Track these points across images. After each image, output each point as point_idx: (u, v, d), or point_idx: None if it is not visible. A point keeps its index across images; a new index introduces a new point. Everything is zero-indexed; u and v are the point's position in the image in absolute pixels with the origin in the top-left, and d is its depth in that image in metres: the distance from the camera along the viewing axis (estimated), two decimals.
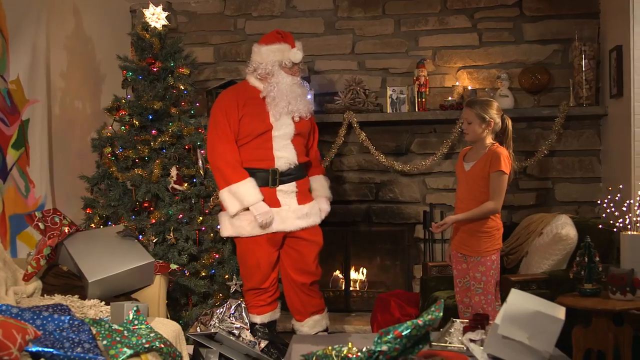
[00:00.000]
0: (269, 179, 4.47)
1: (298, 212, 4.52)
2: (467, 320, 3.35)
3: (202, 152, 4.98)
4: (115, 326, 3.27)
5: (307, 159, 4.68)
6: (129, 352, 3.07)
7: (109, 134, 4.99)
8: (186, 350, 3.75)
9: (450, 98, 5.60)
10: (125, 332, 3.26)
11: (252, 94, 4.53)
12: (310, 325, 4.64)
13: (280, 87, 4.48)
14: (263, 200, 4.40)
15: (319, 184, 4.79)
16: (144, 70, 5.03)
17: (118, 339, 3.18)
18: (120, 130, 5.03)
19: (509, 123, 4.22)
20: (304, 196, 4.60)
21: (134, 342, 3.17)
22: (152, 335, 3.30)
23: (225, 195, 4.40)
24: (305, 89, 4.77)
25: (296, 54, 4.53)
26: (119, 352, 3.07)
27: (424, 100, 5.61)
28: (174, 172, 4.89)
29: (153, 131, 4.97)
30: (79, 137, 5.28)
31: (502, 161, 4.05)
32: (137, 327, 3.36)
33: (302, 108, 4.55)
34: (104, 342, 3.13)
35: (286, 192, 4.51)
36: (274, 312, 4.65)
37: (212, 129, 4.48)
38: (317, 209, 4.65)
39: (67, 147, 5.11)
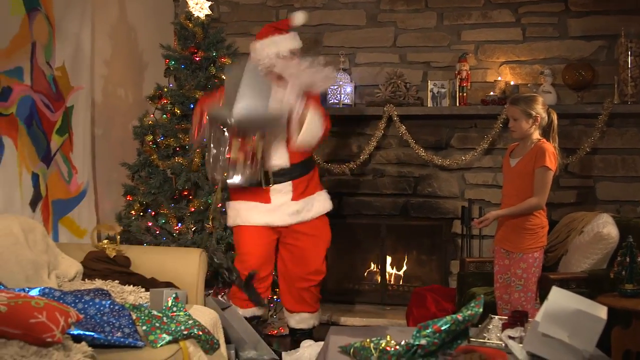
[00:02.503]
0: (261, 180, 4.42)
1: (289, 209, 4.48)
2: (506, 317, 3.32)
3: None
4: (154, 312, 3.31)
5: (306, 156, 4.56)
6: (168, 338, 3.11)
7: (150, 122, 5.02)
8: (223, 337, 3.78)
9: (492, 93, 5.55)
10: (165, 318, 3.29)
11: None
12: (297, 320, 4.64)
13: (288, 71, 4.38)
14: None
15: None
16: (186, 60, 5.05)
17: (157, 324, 3.22)
18: (162, 118, 5.06)
19: (555, 117, 4.18)
20: (301, 193, 4.53)
21: (172, 329, 3.20)
22: (190, 322, 3.33)
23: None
24: (315, 63, 4.49)
25: (294, 41, 4.50)
26: (158, 337, 3.11)
27: (465, 94, 5.57)
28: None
29: None
30: (121, 125, 5.34)
31: (548, 157, 4.01)
32: (175, 313, 3.40)
33: (323, 81, 4.44)
34: (144, 327, 3.17)
35: (280, 190, 4.47)
36: (258, 309, 4.60)
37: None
38: (314, 204, 4.57)
39: (109, 134, 5.18)
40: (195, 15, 5.03)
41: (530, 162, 4.07)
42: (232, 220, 4.57)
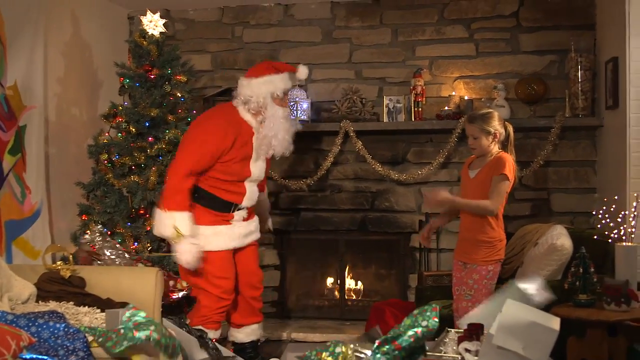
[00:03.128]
0: (230, 209, 4.38)
1: (245, 230, 4.48)
2: (462, 330, 3.35)
3: None
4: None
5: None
6: (126, 343, 3.06)
7: (105, 140, 4.98)
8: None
9: (446, 108, 5.62)
10: (122, 329, 3.22)
11: (244, 130, 4.34)
12: (247, 332, 4.63)
13: (275, 121, 4.33)
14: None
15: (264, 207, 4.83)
16: (141, 78, 5.04)
17: (114, 336, 3.16)
18: (117, 137, 5.02)
19: (511, 130, 4.29)
20: (250, 214, 4.54)
21: (129, 336, 3.14)
22: (151, 327, 3.25)
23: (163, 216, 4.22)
24: (292, 122, 4.53)
25: (301, 72, 4.45)
26: (115, 343, 3.06)
27: (420, 109, 5.62)
28: None
29: (150, 138, 4.97)
30: (76, 144, 5.28)
31: (507, 167, 4.10)
32: (131, 319, 3.32)
33: (282, 147, 4.41)
34: (99, 339, 3.11)
35: (238, 214, 4.44)
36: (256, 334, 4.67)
37: (193, 145, 4.25)
38: (257, 224, 4.61)
39: (63, 153, 5.11)
40: (149, 33, 5.02)
41: (490, 172, 4.15)
42: (204, 246, 4.33)
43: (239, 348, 4.64)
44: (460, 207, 4.23)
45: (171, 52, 5.15)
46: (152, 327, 3.25)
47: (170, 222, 4.16)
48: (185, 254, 4.20)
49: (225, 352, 4.21)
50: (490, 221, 4.17)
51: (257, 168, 4.40)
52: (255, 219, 4.62)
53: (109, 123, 5.07)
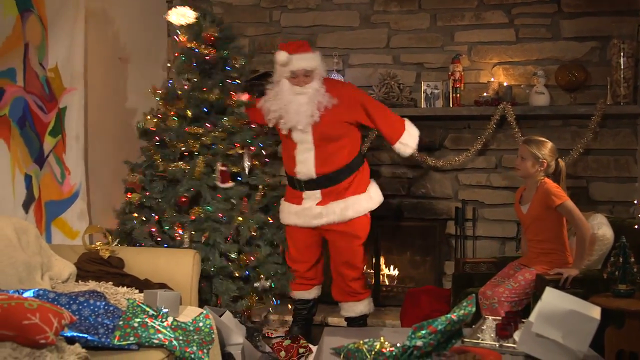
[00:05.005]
0: (294, 185, 4.83)
1: (313, 211, 4.76)
2: (500, 318, 3.33)
3: (251, 148, 4.74)
4: (149, 311, 3.25)
5: (338, 167, 4.73)
6: (134, 339, 3.05)
7: (154, 122, 4.71)
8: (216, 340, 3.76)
9: (485, 94, 5.56)
10: (150, 322, 3.20)
11: None
12: (346, 308, 4.92)
13: (281, 96, 4.67)
14: None
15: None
16: (198, 58, 4.70)
17: (135, 325, 3.14)
18: (171, 119, 4.70)
19: (563, 166, 4.37)
20: (331, 196, 4.75)
21: (145, 334, 3.12)
22: (176, 333, 3.23)
23: None
24: (312, 98, 4.63)
25: (279, 56, 4.65)
26: (123, 336, 3.05)
27: (458, 95, 5.57)
28: (218, 168, 4.64)
29: (208, 125, 4.65)
30: (114, 126, 5.31)
31: (554, 194, 4.18)
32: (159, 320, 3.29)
33: (295, 121, 4.63)
34: (120, 322, 3.12)
35: (310, 195, 4.77)
36: (310, 292, 5.03)
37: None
38: (345, 206, 4.74)
39: (103, 135, 5.15)
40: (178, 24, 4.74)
41: (540, 207, 4.25)
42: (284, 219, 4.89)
43: (348, 321, 5.03)
44: (584, 260, 4.23)
45: (227, 31, 4.87)
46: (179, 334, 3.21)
47: None
48: None
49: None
50: (565, 244, 4.31)
51: (297, 133, 4.69)
52: (332, 203, 4.77)
53: (167, 107, 4.74)
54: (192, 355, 3.12)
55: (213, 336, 3.38)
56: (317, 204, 4.75)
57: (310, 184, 4.75)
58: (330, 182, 4.74)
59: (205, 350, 3.23)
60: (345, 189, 4.76)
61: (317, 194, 4.76)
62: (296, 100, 4.62)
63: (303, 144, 4.72)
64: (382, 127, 4.80)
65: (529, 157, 4.27)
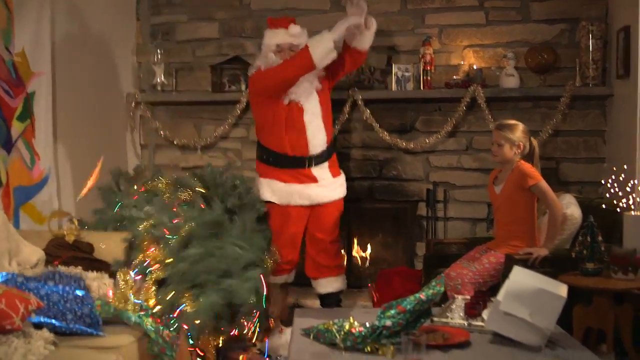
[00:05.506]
0: (304, 163, 4.80)
1: (334, 184, 4.90)
2: (469, 297, 3.36)
3: None
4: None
5: (331, 136, 4.95)
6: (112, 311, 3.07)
7: None
8: None
9: (455, 77, 5.58)
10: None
11: None
12: (323, 284, 4.96)
13: None
14: None
15: None
16: None
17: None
18: None
19: (536, 145, 4.43)
20: (334, 169, 4.95)
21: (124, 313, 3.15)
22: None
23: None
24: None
25: (274, 35, 4.79)
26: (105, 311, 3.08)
27: (429, 78, 5.58)
28: None
29: None
30: (85, 110, 5.26)
31: (530, 174, 4.24)
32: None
33: (300, 92, 4.73)
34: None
35: (321, 169, 4.84)
36: (290, 275, 4.98)
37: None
38: (344, 180, 5.03)
39: (72, 120, 5.09)
40: None
41: (514, 186, 4.29)
42: (284, 200, 4.81)
43: (321, 299, 5.08)
44: (555, 240, 4.28)
45: None
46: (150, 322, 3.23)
47: None
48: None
49: None
50: (534, 228, 4.34)
51: (308, 101, 4.78)
52: (342, 175, 5.02)
53: None
54: (165, 344, 3.13)
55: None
56: (333, 177, 4.90)
57: (320, 157, 4.84)
58: (333, 150, 4.96)
59: (174, 347, 3.23)
60: (335, 161, 5.00)
61: (324, 166, 4.86)
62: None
63: (310, 112, 4.76)
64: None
65: (504, 142, 4.30)
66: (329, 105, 4.92)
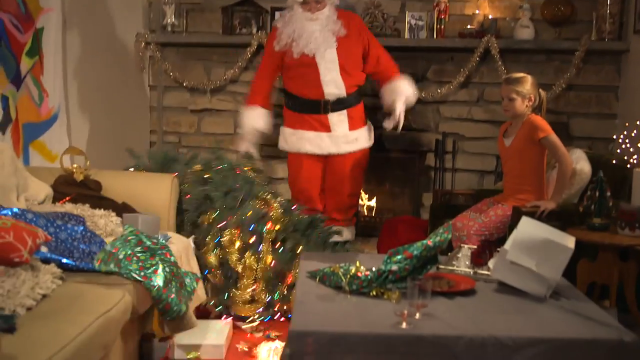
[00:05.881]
0: (320, 108, 4.78)
1: (348, 137, 4.83)
2: (476, 246, 3.36)
3: None
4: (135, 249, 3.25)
5: (359, 85, 4.92)
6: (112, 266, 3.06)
7: None
8: (196, 267, 3.79)
9: (469, 26, 5.50)
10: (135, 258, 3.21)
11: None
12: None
13: (294, 22, 4.72)
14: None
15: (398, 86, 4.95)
16: None
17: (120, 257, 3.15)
18: None
19: (544, 96, 4.36)
20: (356, 122, 4.89)
21: (124, 266, 3.13)
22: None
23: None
24: (324, 26, 4.75)
25: None
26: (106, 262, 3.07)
27: (443, 27, 5.51)
28: None
29: None
30: (95, 47, 5.21)
31: (542, 126, 4.18)
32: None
33: (308, 45, 4.69)
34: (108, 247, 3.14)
35: (338, 118, 4.79)
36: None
37: None
38: (368, 134, 4.98)
39: (82, 57, 5.05)
40: None
41: (525, 139, 4.24)
42: (294, 147, 4.90)
43: None
44: (563, 194, 4.25)
45: None
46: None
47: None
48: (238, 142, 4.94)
49: None
50: (542, 182, 4.33)
51: (323, 54, 4.73)
52: (364, 128, 4.98)
53: None
54: (170, 300, 3.12)
55: (192, 297, 3.37)
56: (350, 130, 4.85)
57: (338, 104, 4.80)
58: (356, 101, 4.91)
59: (183, 300, 3.23)
60: (360, 115, 4.96)
61: (343, 115, 4.82)
62: (308, 27, 4.70)
63: (328, 64, 4.73)
64: (382, 59, 4.93)
65: (516, 96, 4.25)
66: (353, 55, 4.85)
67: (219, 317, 4.01)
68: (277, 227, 4.09)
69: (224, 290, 4.04)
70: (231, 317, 3.97)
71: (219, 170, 4.42)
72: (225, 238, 4.01)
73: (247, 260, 3.96)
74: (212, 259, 4.00)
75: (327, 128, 4.81)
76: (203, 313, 3.94)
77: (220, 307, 4.03)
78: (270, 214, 4.11)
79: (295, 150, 4.88)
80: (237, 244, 4.00)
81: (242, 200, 4.21)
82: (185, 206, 4.20)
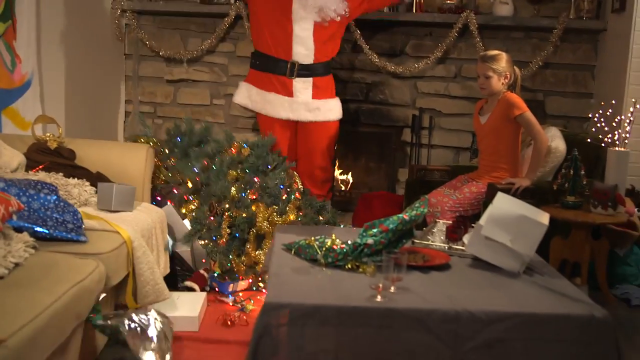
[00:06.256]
0: (286, 70, 4.71)
1: (309, 105, 4.77)
2: (451, 222, 3.38)
3: None
4: None
5: (329, 57, 4.88)
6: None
7: None
8: (166, 239, 3.78)
9: (448, 1, 5.49)
10: None
11: None
12: None
13: None
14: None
15: None
16: None
17: None
18: None
19: (519, 73, 4.37)
20: (321, 92, 4.81)
21: None
22: None
23: None
24: None
25: None
26: None
27: (422, 1, 5.49)
28: None
29: None
30: (70, 11, 5.12)
31: (518, 104, 4.19)
32: None
33: (331, 8, 4.66)
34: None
35: (302, 85, 4.74)
36: None
37: None
38: (333, 106, 4.90)
39: (56, 23, 4.97)
40: None
41: (500, 117, 4.25)
42: (257, 107, 4.84)
43: None
44: (538, 172, 4.28)
45: None
46: None
47: None
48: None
49: None
50: (517, 160, 4.34)
51: (302, 19, 4.67)
52: (326, 100, 4.87)
53: None
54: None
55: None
56: (313, 98, 4.78)
57: (304, 70, 4.75)
58: (324, 71, 4.85)
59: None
60: (327, 86, 4.89)
61: (308, 82, 4.76)
62: None
63: (303, 22, 4.68)
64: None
65: (492, 74, 4.25)
66: (331, 40, 4.84)
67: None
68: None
69: (224, 253, 4.04)
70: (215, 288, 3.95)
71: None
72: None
73: (272, 217, 3.99)
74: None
75: (289, 92, 4.76)
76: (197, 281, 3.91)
77: (215, 273, 4.01)
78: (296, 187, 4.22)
79: (258, 109, 4.85)
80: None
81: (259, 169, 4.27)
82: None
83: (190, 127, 4.44)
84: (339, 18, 4.74)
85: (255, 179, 4.14)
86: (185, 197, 4.21)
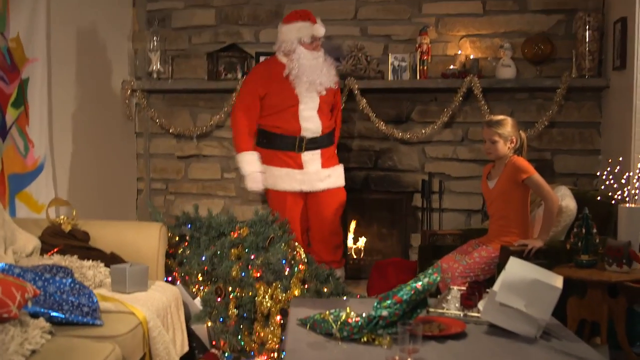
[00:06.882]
0: (295, 145, 4.91)
1: (320, 175, 4.97)
2: (465, 288, 3.37)
3: None
4: None
5: (332, 128, 5.11)
6: None
7: None
8: (182, 316, 3.77)
9: (452, 67, 5.57)
10: None
11: (280, 69, 4.92)
12: None
13: (301, 62, 4.87)
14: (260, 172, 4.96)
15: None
16: None
17: None
18: None
19: (525, 137, 4.41)
20: (329, 161, 5.05)
21: None
22: None
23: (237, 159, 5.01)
24: (329, 61, 5.08)
25: (318, 29, 4.94)
26: None
27: (425, 68, 5.58)
28: None
29: None
30: (81, 98, 5.24)
31: (524, 167, 4.23)
32: None
33: (326, 81, 4.92)
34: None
35: (311, 157, 4.92)
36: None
37: (237, 98, 5.21)
38: (341, 172, 5.12)
39: (67, 107, 5.07)
40: None
41: (508, 181, 4.28)
42: (268, 183, 5.00)
43: None
44: (550, 232, 4.29)
45: None
46: None
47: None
48: (251, 184, 4.98)
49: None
50: (527, 223, 4.35)
51: (308, 98, 4.93)
52: (334, 167, 5.10)
53: None
54: None
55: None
56: (323, 167, 4.97)
57: (312, 144, 4.93)
58: (329, 142, 5.04)
59: None
60: (333, 154, 5.10)
61: (317, 154, 4.94)
62: (318, 64, 4.94)
63: (309, 102, 4.92)
64: (338, 119, 5.27)
65: (498, 138, 4.29)
66: (329, 98, 5.07)
67: None
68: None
69: (234, 334, 4.02)
70: None
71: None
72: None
73: (275, 294, 3.97)
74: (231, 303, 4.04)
75: (299, 165, 4.94)
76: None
77: (228, 353, 3.98)
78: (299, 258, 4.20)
79: (271, 186, 4.97)
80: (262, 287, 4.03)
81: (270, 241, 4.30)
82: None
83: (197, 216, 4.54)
84: (335, 85, 5.02)
85: (252, 257, 4.15)
86: (196, 286, 4.23)
